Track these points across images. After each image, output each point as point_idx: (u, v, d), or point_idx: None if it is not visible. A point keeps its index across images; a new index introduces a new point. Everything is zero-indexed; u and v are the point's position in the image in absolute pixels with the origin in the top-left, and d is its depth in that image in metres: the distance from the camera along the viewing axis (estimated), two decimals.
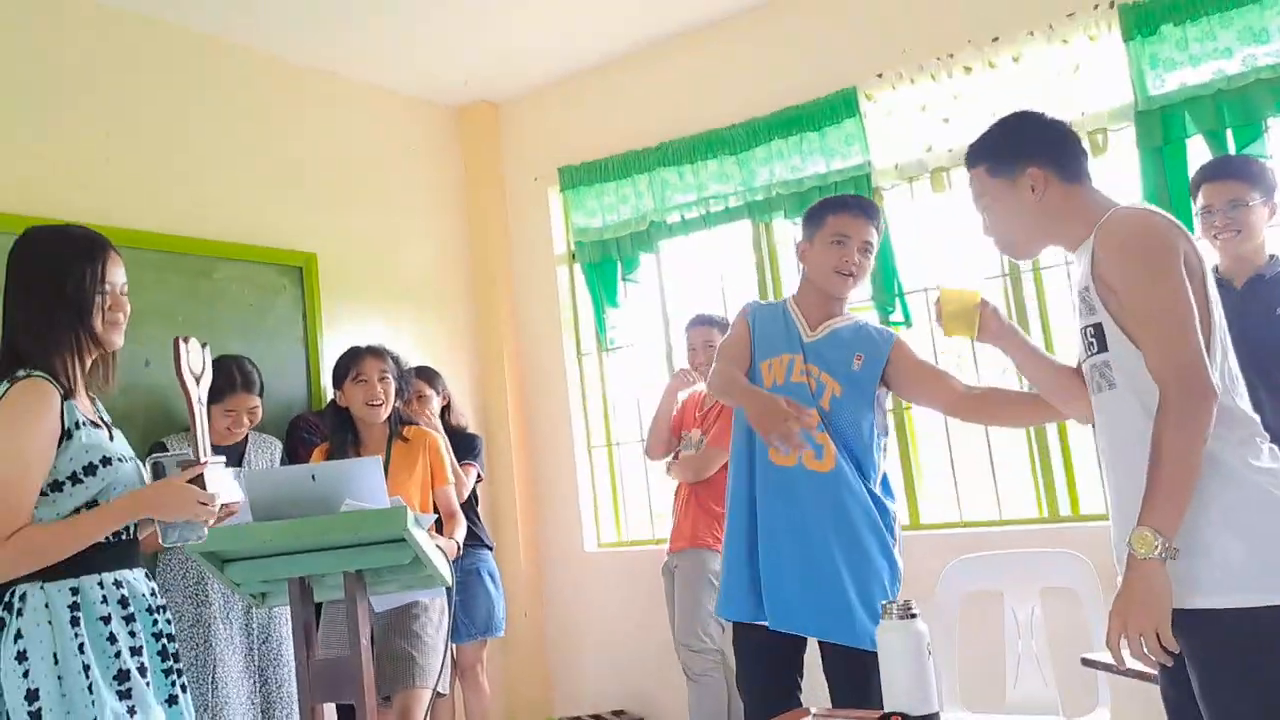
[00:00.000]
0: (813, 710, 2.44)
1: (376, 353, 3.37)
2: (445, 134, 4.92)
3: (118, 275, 1.98)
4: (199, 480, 1.93)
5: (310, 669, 2.54)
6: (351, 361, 3.34)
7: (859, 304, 3.80)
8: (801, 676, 2.54)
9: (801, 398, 2.46)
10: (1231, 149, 3.22)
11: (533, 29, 4.25)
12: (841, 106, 3.92)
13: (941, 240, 3.88)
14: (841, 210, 2.57)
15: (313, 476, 2.58)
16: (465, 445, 3.88)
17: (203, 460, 1.98)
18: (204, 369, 2.07)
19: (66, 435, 1.87)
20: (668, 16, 4.27)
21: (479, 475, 3.88)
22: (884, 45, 3.87)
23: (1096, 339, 1.81)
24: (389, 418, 3.34)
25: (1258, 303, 2.89)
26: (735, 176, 4.21)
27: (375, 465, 2.69)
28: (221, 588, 3.16)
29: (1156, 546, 1.63)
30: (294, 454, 3.65)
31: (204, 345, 2.10)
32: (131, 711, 1.83)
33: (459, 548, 3.28)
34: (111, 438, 1.98)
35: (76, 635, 1.82)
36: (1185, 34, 3.27)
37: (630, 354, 4.67)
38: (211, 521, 2.01)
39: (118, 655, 1.85)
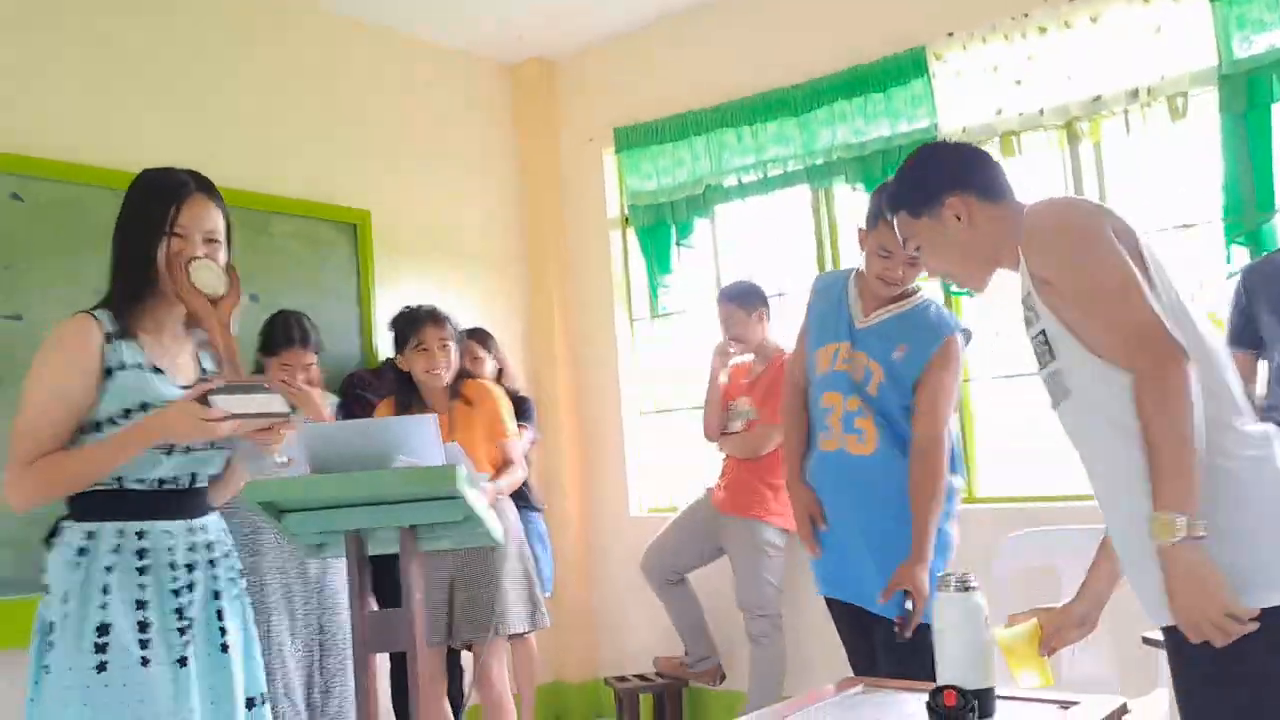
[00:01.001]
0: (863, 681, 2.43)
1: (437, 319, 3.35)
2: (500, 92, 4.89)
3: (198, 220, 1.94)
4: (205, 401, 1.83)
5: (364, 620, 2.57)
6: (411, 329, 3.34)
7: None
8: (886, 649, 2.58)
9: (845, 385, 2.57)
10: None
11: None
12: (909, 66, 3.81)
13: None
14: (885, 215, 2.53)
15: (368, 432, 2.60)
16: (519, 408, 3.88)
17: (212, 377, 1.93)
18: (228, 287, 1.98)
19: (107, 374, 1.84)
20: None
21: (533, 438, 3.90)
22: (956, 3, 3.75)
23: (1045, 346, 1.72)
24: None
25: None
26: (795, 139, 4.12)
27: (431, 422, 2.69)
28: (276, 540, 3.21)
29: (1179, 527, 1.51)
30: (349, 411, 3.67)
31: (229, 268, 2.01)
32: (101, 668, 1.78)
33: (494, 492, 3.25)
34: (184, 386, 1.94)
35: (86, 580, 1.81)
36: None
37: (682, 320, 4.63)
38: (279, 450, 1.98)
39: (103, 608, 1.80)
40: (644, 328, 4.76)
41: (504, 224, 4.84)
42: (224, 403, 1.84)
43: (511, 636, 3.40)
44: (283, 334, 3.30)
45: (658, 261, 4.57)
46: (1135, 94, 3.37)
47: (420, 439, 2.66)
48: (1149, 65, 3.33)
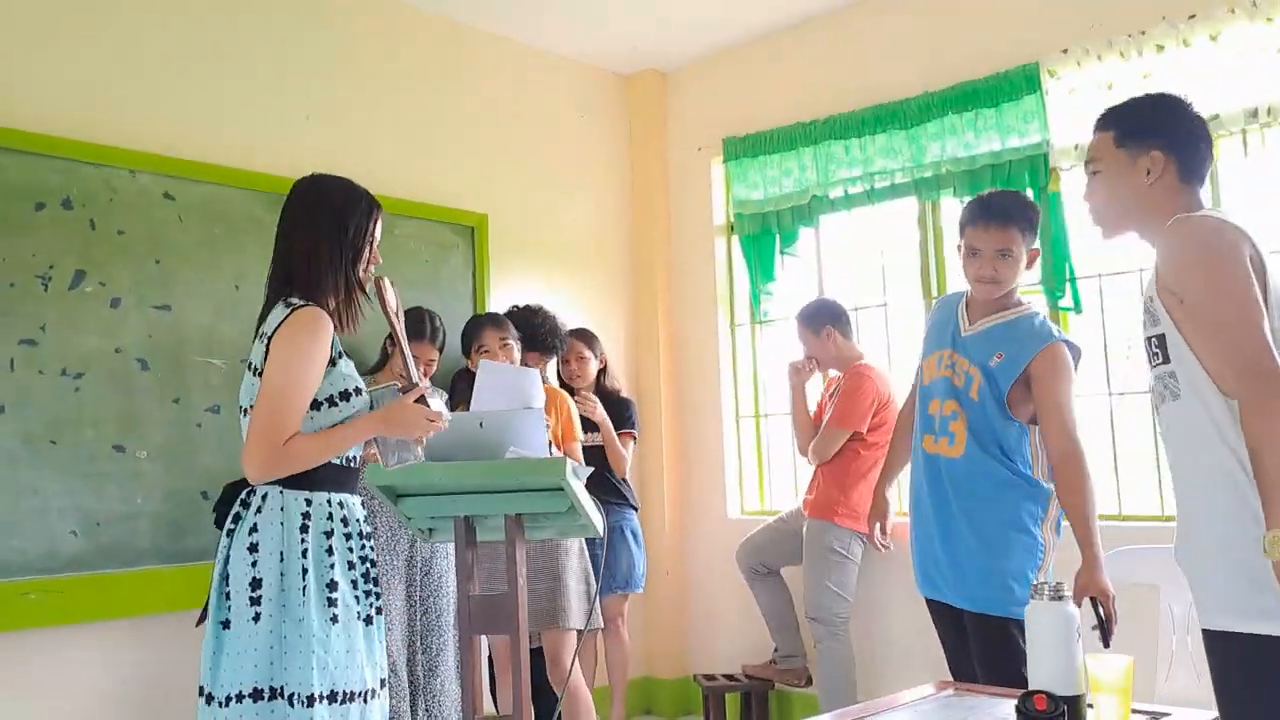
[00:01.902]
0: (954, 684, 2.47)
1: (497, 322, 3.56)
2: (613, 101, 5.04)
3: (380, 232, 2.23)
4: (423, 401, 2.16)
5: (470, 602, 2.72)
6: (474, 333, 3.56)
7: (1028, 287, 3.70)
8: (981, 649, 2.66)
9: (945, 391, 2.67)
10: None
11: None
12: (1022, 82, 3.80)
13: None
14: (971, 223, 2.65)
15: (481, 424, 2.75)
16: (622, 412, 4.02)
17: (419, 384, 2.21)
18: (400, 305, 2.29)
19: (331, 362, 2.10)
20: None
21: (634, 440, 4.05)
22: (1071, 19, 3.73)
23: (1160, 350, 1.78)
24: None
25: None
26: (904, 152, 4.15)
27: (539, 417, 2.84)
28: (388, 522, 3.40)
29: None
30: (456, 405, 3.85)
31: (393, 284, 2.30)
32: (334, 620, 2.05)
33: None
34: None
35: (303, 541, 2.05)
36: None
37: (784, 327, 4.69)
38: (424, 441, 2.24)
39: (331, 567, 2.07)
40: (744, 334, 4.84)
41: (613, 229, 4.98)
42: (436, 405, 2.20)
43: (588, 631, 3.53)
44: (416, 327, 3.54)
45: (761, 269, 4.65)
46: (1255, 114, 3.30)
47: (529, 432, 2.80)
48: (1269, 84, 3.26)
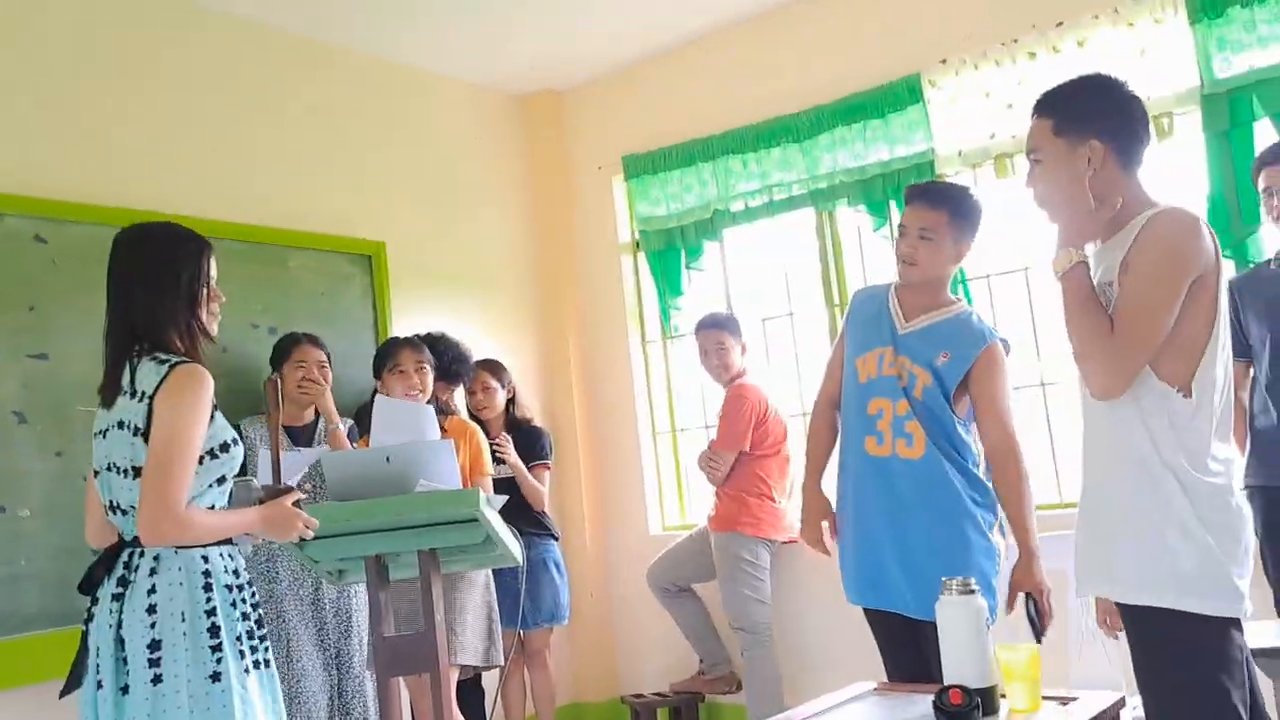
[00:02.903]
0: (875, 684, 2.51)
1: (413, 344, 3.51)
2: (510, 122, 5.02)
3: (215, 270, 2.19)
4: (298, 505, 2.20)
5: (385, 644, 2.66)
6: (389, 353, 3.49)
7: None
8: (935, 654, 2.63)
9: (892, 391, 2.61)
10: None
11: (596, 17, 4.32)
12: (905, 93, 3.92)
13: (1005, 227, 3.86)
14: (906, 200, 2.67)
15: (388, 458, 2.70)
16: (535, 442, 3.99)
17: (293, 486, 2.24)
18: (280, 408, 2.36)
19: (211, 417, 2.07)
20: (732, 4, 4.31)
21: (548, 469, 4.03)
22: (948, 31, 3.87)
23: None
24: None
25: None
26: (799, 164, 4.24)
27: (448, 448, 2.80)
28: (290, 565, 3.30)
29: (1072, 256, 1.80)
30: (364, 435, 3.78)
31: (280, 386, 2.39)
32: (247, 670, 2.04)
33: None
34: None
35: (209, 600, 2.01)
36: (1253, 15, 3.22)
37: (694, 341, 4.71)
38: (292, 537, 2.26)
39: (236, 620, 2.05)
40: (656, 350, 4.87)
41: (517, 251, 4.96)
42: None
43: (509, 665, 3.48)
44: (288, 338, 3.50)
45: (669, 284, 4.68)
46: None
47: (438, 464, 2.76)
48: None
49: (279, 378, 3.39)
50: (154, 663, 1.95)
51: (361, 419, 3.91)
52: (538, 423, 4.20)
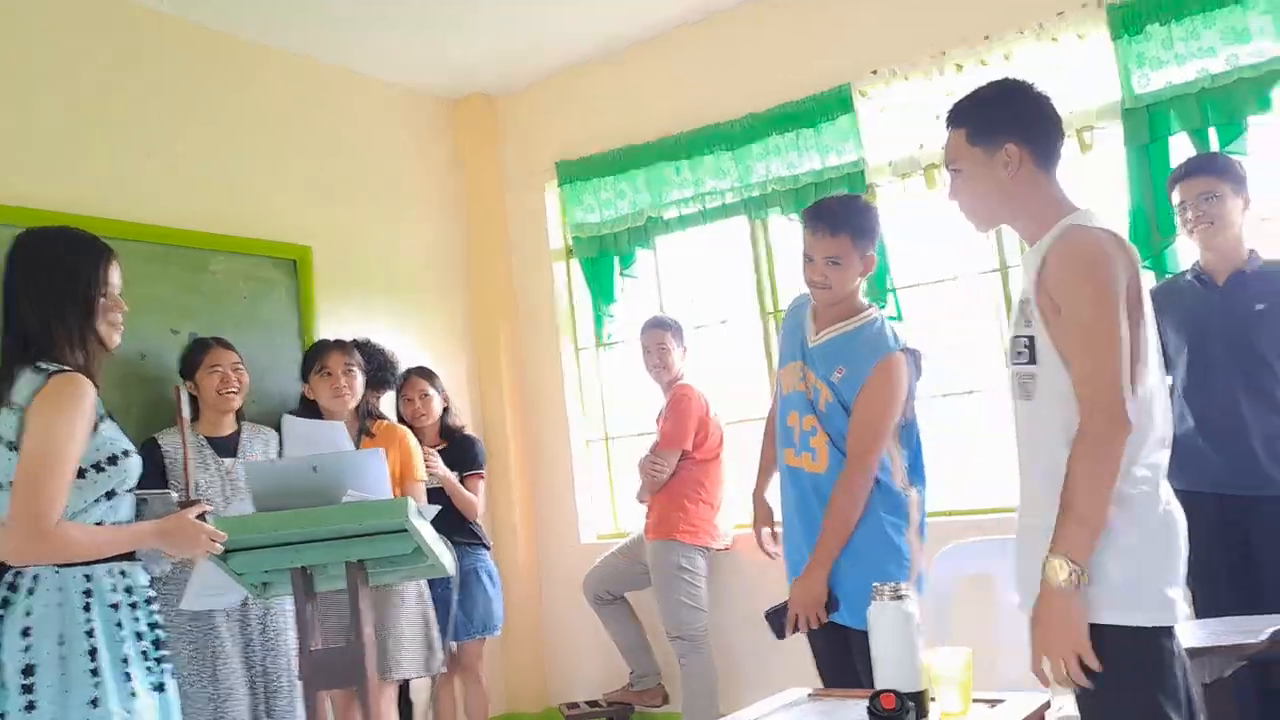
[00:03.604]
0: (808, 690, 2.51)
1: (342, 346, 3.44)
2: (441, 127, 4.95)
3: (116, 278, 2.09)
4: (203, 518, 2.11)
5: (312, 658, 2.59)
6: (316, 355, 3.42)
7: None
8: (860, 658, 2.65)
9: (801, 405, 2.65)
10: (1214, 147, 3.28)
11: (529, 22, 4.29)
12: (836, 103, 3.96)
13: (934, 236, 3.93)
14: (805, 225, 2.64)
15: (314, 468, 2.62)
16: (468, 452, 3.92)
17: (199, 499, 2.16)
18: (189, 416, 2.30)
19: (94, 429, 1.97)
20: (664, 11, 4.32)
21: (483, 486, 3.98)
22: (878, 42, 3.92)
23: (1029, 349, 1.83)
24: (359, 413, 3.38)
25: (1239, 300, 2.95)
26: (732, 172, 4.25)
27: (378, 456, 2.74)
28: None
29: (1067, 573, 1.69)
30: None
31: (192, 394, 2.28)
32: (133, 694, 1.93)
33: None
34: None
35: (88, 621, 1.91)
36: (1171, 33, 3.32)
37: (628, 349, 4.71)
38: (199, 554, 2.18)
39: (122, 642, 1.94)
40: (589, 357, 4.84)
41: (449, 258, 4.89)
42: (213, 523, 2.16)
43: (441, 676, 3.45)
44: (197, 344, 3.37)
45: (602, 292, 4.66)
46: None
47: (367, 473, 2.69)
48: (1058, 100, 3.48)
49: (194, 385, 3.29)
50: (27, 689, 1.86)
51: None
52: (470, 431, 4.14)
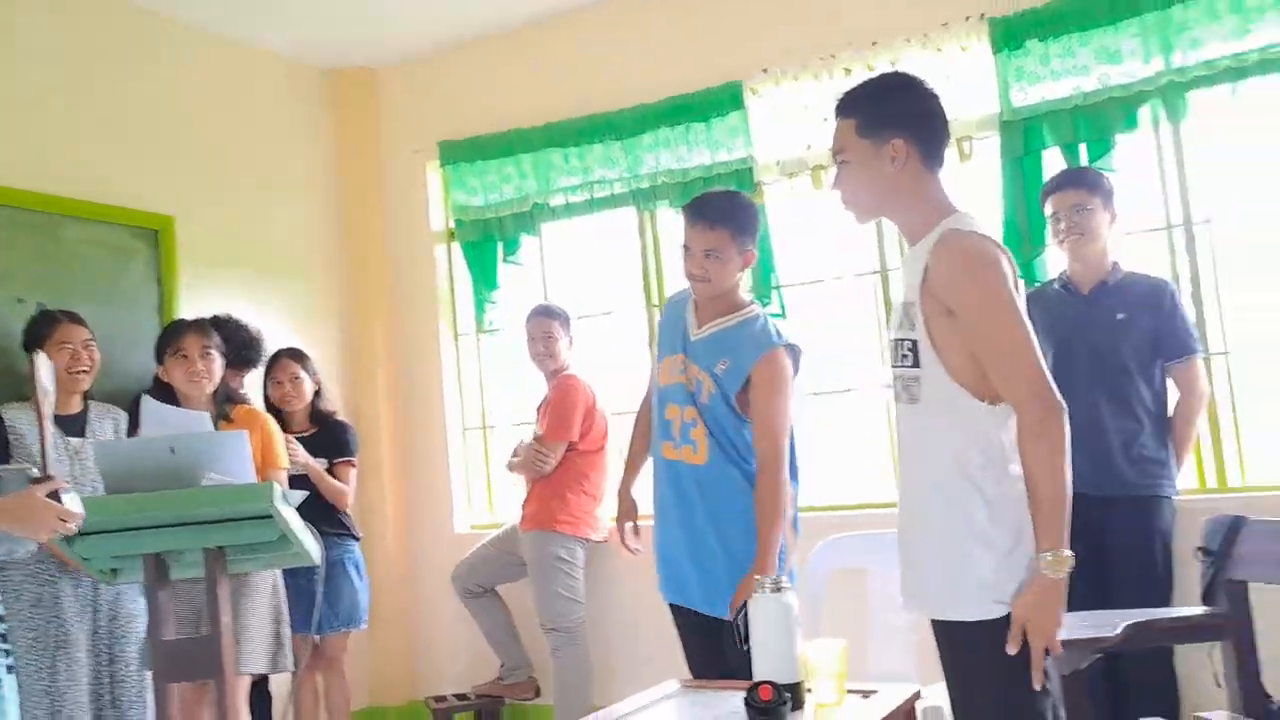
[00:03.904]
0: (680, 681, 2.51)
1: (200, 327, 3.26)
2: (318, 98, 4.75)
3: None
4: (55, 496, 1.91)
5: (164, 648, 2.44)
6: (172, 336, 3.24)
7: None
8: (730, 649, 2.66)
9: (682, 398, 2.66)
10: (1084, 162, 3.43)
11: None
12: (727, 99, 3.97)
13: (819, 237, 4.00)
14: (686, 218, 2.67)
15: (172, 449, 2.48)
16: (340, 438, 3.78)
17: (52, 475, 1.96)
18: (54, 385, 2.10)
19: None
20: None
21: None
22: (770, 41, 3.95)
23: (911, 353, 1.84)
24: (217, 398, 3.22)
25: (1102, 309, 3.11)
26: (621, 162, 4.22)
27: (241, 439, 2.61)
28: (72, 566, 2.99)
29: (1067, 567, 1.72)
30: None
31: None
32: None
33: None
34: None
35: None
36: (1048, 50, 3.46)
37: (509, 336, 4.62)
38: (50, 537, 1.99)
39: None
40: (469, 343, 4.73)
41: (322, 236, 4.70)
42: (70, 502, 1.96)
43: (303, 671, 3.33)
44: (44, 317, 3.14)
45: (484, 277, 4.55)
46: None
47: (229, 456, 2.56)
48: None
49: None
50: None
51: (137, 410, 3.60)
52: (342, 417, 3.99)
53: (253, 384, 3.84)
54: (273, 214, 4.48)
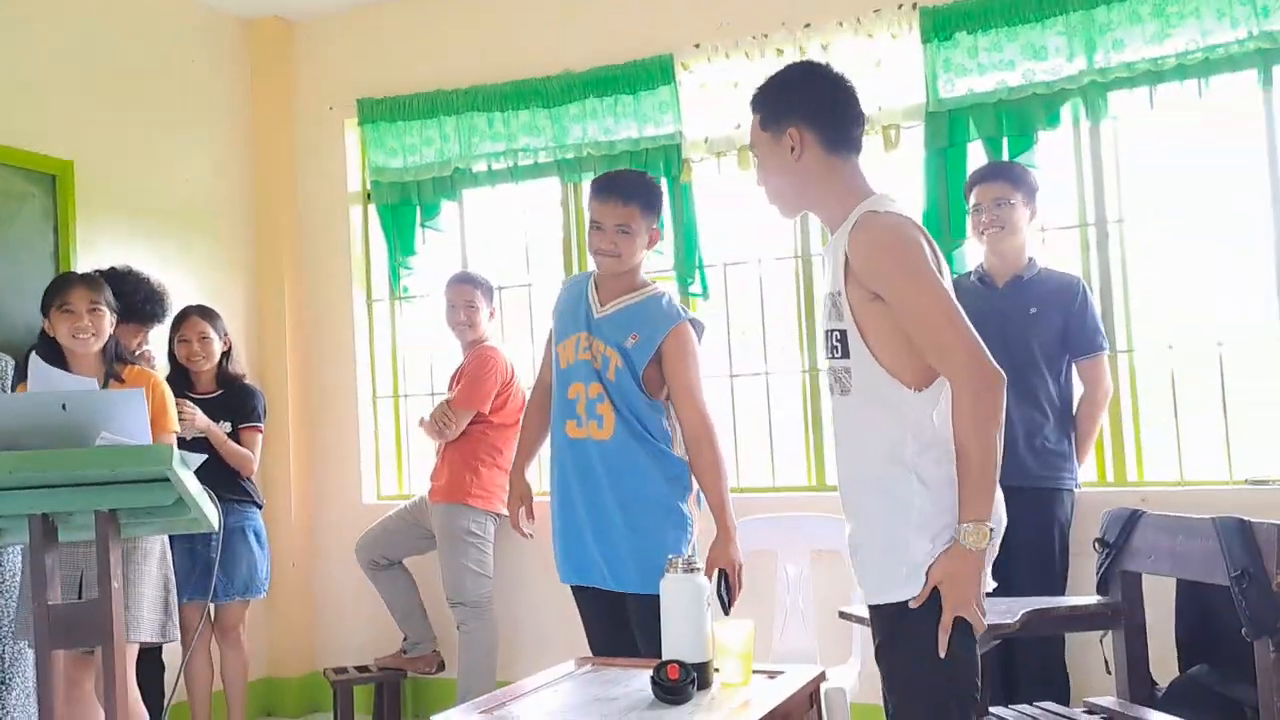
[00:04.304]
0: (585, 659, 2.49)
1: (90, 281, 3.09)
2: (232, 47, 4.54)
3: None
4: None
5: (50, 612, 2.32)
6: (59, 289, 3.06)
7: (660, 273, 3.85)
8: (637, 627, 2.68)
9: (586, 375, 2.69)
10: (1006, 156, 3.49)
11: None
12: (658, 72, 3.92)
13: (746, 218, 3.98)
14: (595, 195, 2.70)
15: (64, 405, 2.35)
16: (247, 403, 3.64)
17: None
18: None
19: None
20: None
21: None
22: (704, 16, 3.91)
23: (840, 344, 1.84)
24: (106, 356, 3.07)
25: (1015, 303, 3.17)
26: (547, 131, 4.13)
27: (138, 397, 2.48)
28: None
29: (987, 536, 1.74)
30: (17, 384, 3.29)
31: None
32: None
33: None
34: None
35: None
36: (976, 43, 3.49)
37: (426, 304, 4.52)
38: None
39: None
40: (383, 310, 4.61)
41: (231, 189, 4.51)
42: None
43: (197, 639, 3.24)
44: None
45: (401, 242, 4.43)
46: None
47: (126, 415, 2.44)
48: (869, 97, 3.61)
49: None
50: None
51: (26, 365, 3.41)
52: (250, 381, 3.85)
53: (158, 340, 3.68)
54: (180, 163, 4.27)
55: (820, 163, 1.86)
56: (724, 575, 2.65)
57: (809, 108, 1.87)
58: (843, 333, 1.83)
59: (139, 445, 2.27)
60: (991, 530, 1.76)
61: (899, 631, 1.82)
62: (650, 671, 2.09)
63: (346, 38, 4.57)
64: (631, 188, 2.68)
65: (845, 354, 1.84)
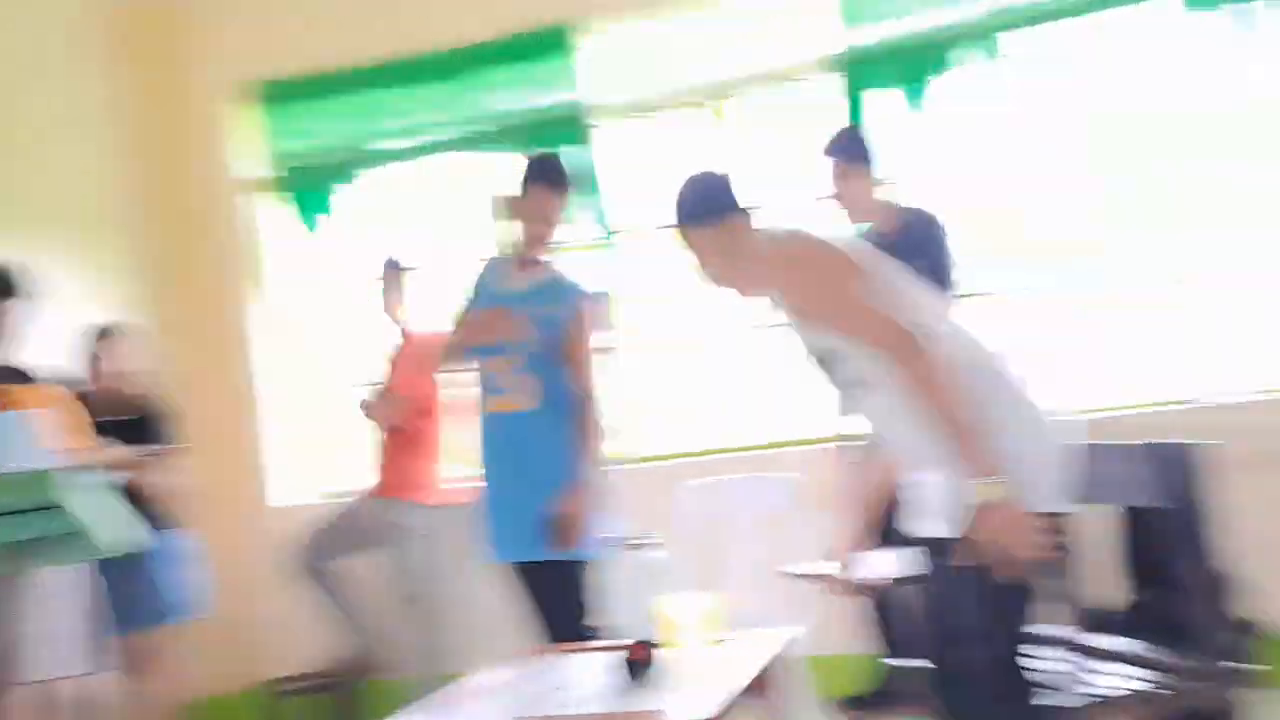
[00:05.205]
0: (537, 647, 2.44)
1: None
2: (113, 29, 4.28)
3: None
4: None
5: None
6: None
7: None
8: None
9: (508, 347, 2.75)
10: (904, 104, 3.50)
11: None
12: (556, 40, 3.86)
13: (651, 179, 3.91)
14: (547, 187, 2.78)
15: None
16: (154, 424, 3.46)
17: None
18: None
19: None
20: None
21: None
22: None
23: (831, 360, 1.95)
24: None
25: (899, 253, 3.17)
26: (448, 106, 4.04)
27: (32, 420, 2.32)
28: None
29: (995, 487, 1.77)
30: None
31: None
32: None
33: None
34: None
35: None
36: None
37: (337, 291, 4.36)
38: None
39: None
40: (285, 301, 4.40)
41: (114, 181, 4.23)
42: None
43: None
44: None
45: (302, 229, 4.27)
46: (764, 76, 3.66)
47: (17, 443, 2.27)
48: (778, 49, 3.61)
49: None
50: None
51: None
52: (161, 401, 3.63)
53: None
54: (54, 156, 3.98)
55: (749, 237, 1.98)
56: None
57: (732, 199, 2.01)
58: (831, 350, 1.92)
59: (22, 471, 2.12)
60: (996, 481, 1.77)
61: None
62: (602, 655, 2.04)
63: (237, 16, 4.31)
64: (568, 176, 2.81)
65: (845, 359, 1.91)
